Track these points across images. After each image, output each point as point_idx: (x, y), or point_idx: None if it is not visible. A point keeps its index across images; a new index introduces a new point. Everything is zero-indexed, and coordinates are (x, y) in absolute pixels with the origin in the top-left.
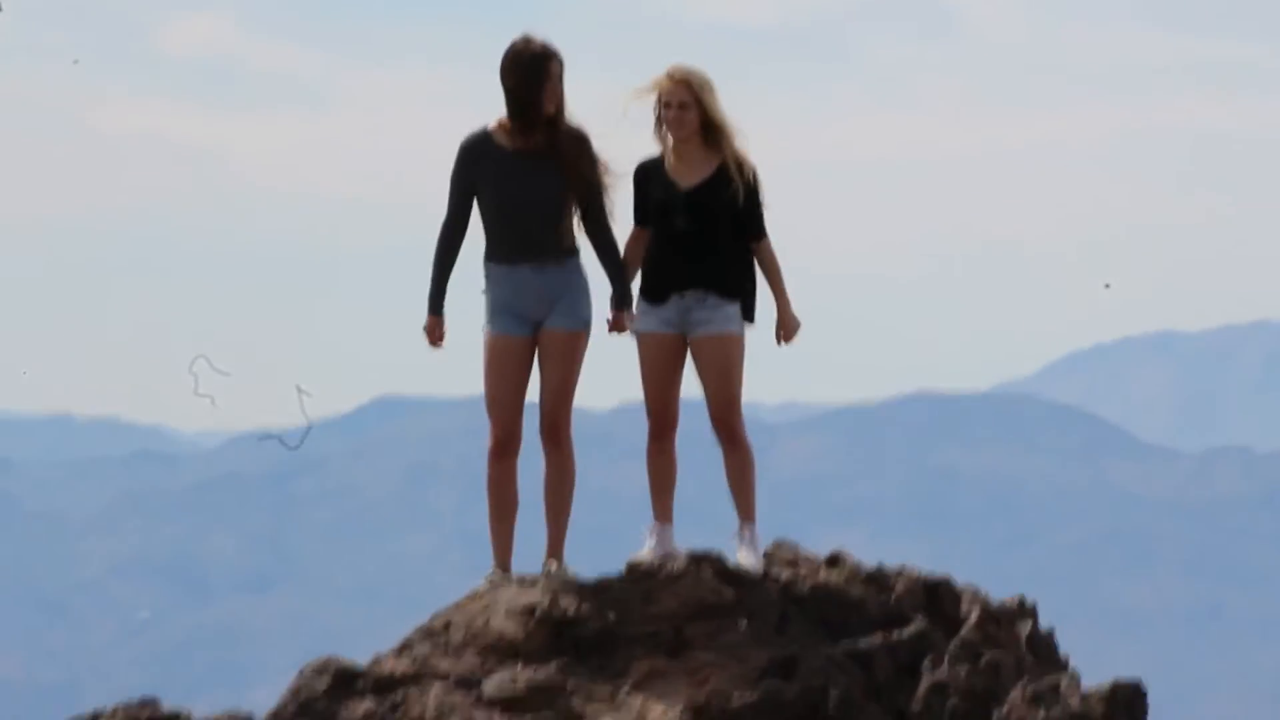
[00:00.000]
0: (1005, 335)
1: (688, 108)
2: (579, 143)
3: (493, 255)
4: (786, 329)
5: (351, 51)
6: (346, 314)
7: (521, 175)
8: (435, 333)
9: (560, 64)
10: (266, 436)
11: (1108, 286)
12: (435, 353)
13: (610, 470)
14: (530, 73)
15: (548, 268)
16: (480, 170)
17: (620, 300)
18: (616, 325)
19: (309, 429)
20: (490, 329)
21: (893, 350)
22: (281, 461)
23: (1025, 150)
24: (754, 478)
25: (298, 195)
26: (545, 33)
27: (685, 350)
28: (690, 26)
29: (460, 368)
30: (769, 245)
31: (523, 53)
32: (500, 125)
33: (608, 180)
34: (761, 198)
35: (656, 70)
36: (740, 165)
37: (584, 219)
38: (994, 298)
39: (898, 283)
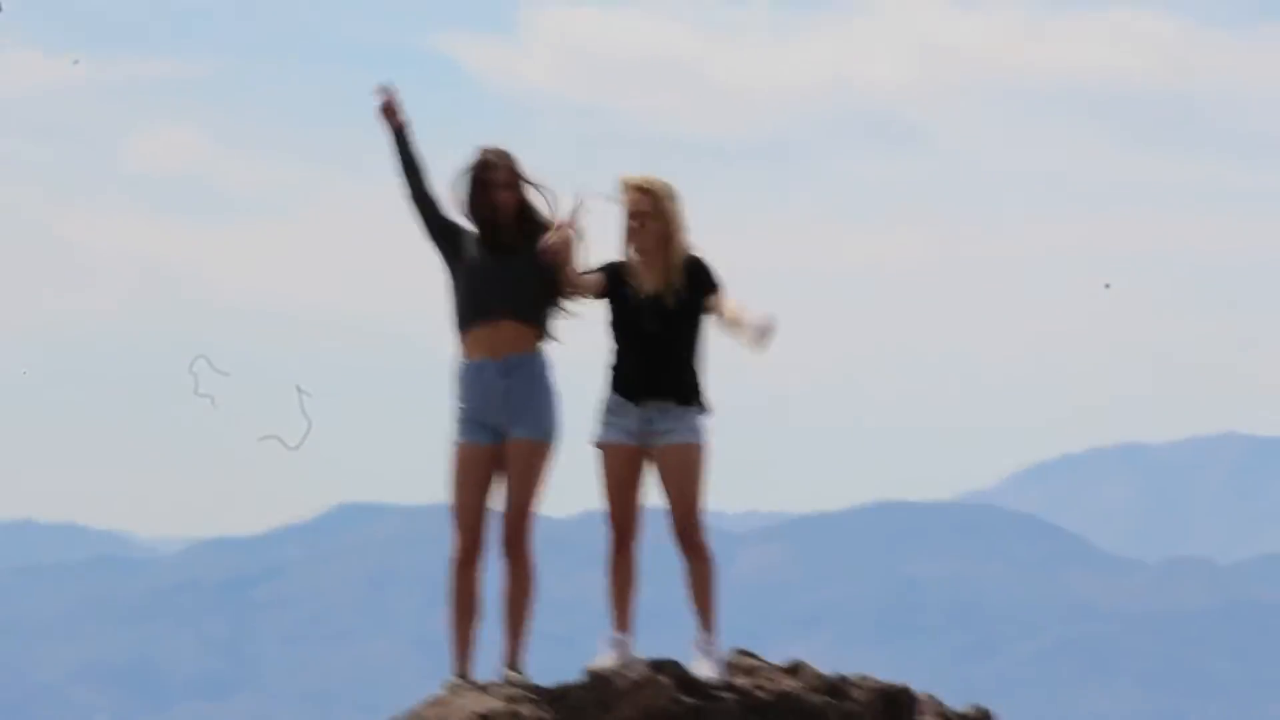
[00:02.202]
0: (969, 445)
1: (650, 218)
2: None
3: (462, 349)
4: (762, 330)
5: (313, 163)
6: (311, 423)
7: (493, 268)
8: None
9: (507, 169)
10: (267, 437)
11: (1107, 286)
12: (391, 459)
13: (571, 578)
14: (470, 183)
15: (514, 367)
16: (458, 245)
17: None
18: (547, 241)
19: (309, 429)
20: (456, 438)
21: (855, 459)
22: (241, 568)
23: (990, 263)
24: (716, 587)
25: (261, 305)
26: (510, 146)
27: (645, 461)
28: (647, 142)
29: (420, 475)
30: (731, 303)
31: (465, 166)
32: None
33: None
34: (720, 286)
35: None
36: (698, 264)
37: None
38: (958, 408)
39: (863, 392)
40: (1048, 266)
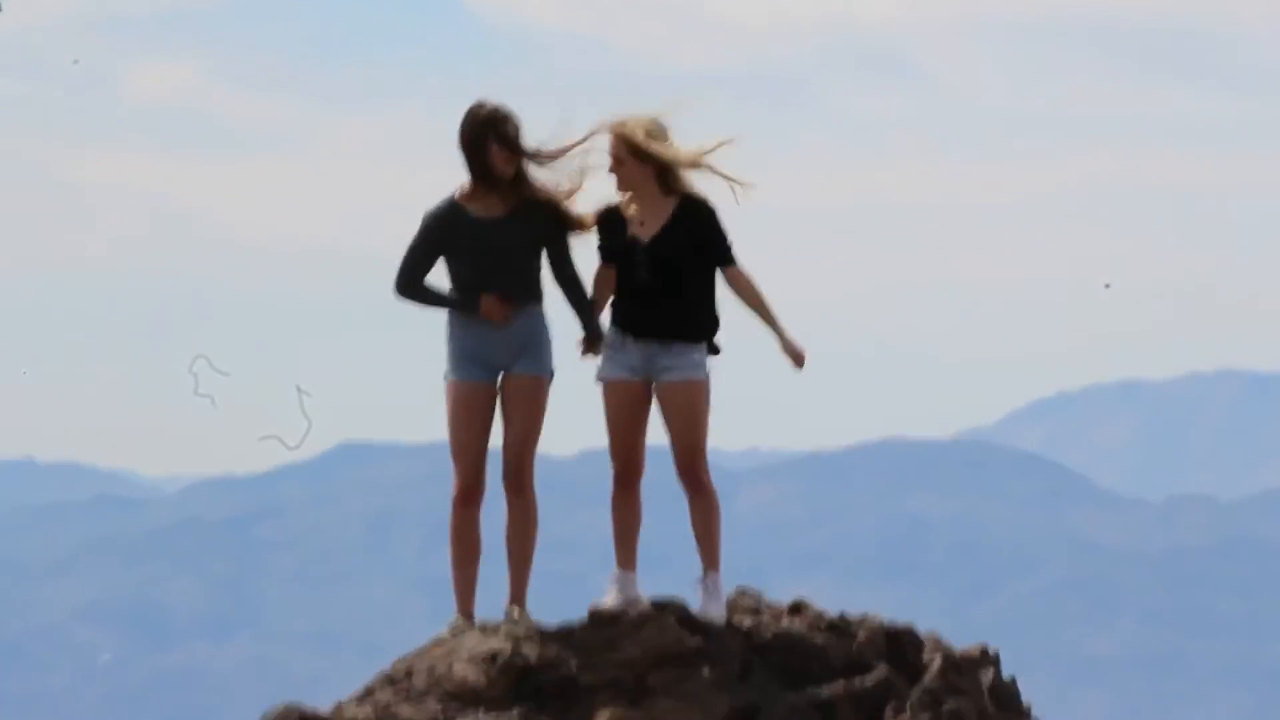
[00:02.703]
0: (971, 383)
1: (622, 162)
2: (544, 206)
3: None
4: (794, 356)
5: (314, 99)
6: (311, 360)
7: (494, 244)
8: (499, 309)
9: (515, 126)
10: (267, 437)
11: (1107, 286)
12: (394, 398)
13: (573, 517)
14: (482, 136)
15: (513, 319)
16: (450, 243)
17: (590, 335)
18: (588, 347)
19: (309, 429)
20: (453, 376)
21: (858, 397)
22: (243, 506)
23: (994, 199)
24: (719, 526)
25: (265, 243)
26: (510, 82)
27: (650, 397)
28: (654, 77)
29: (423, 414)
30: (741, 272)
31: (476, 116)
32: (463, 192)
33: (576, 231)
34: (723, 229)
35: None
36: (696, 206)
37: (551, 268)
38: (960, 345)
39: (863, 329)
40: (1048, 202)
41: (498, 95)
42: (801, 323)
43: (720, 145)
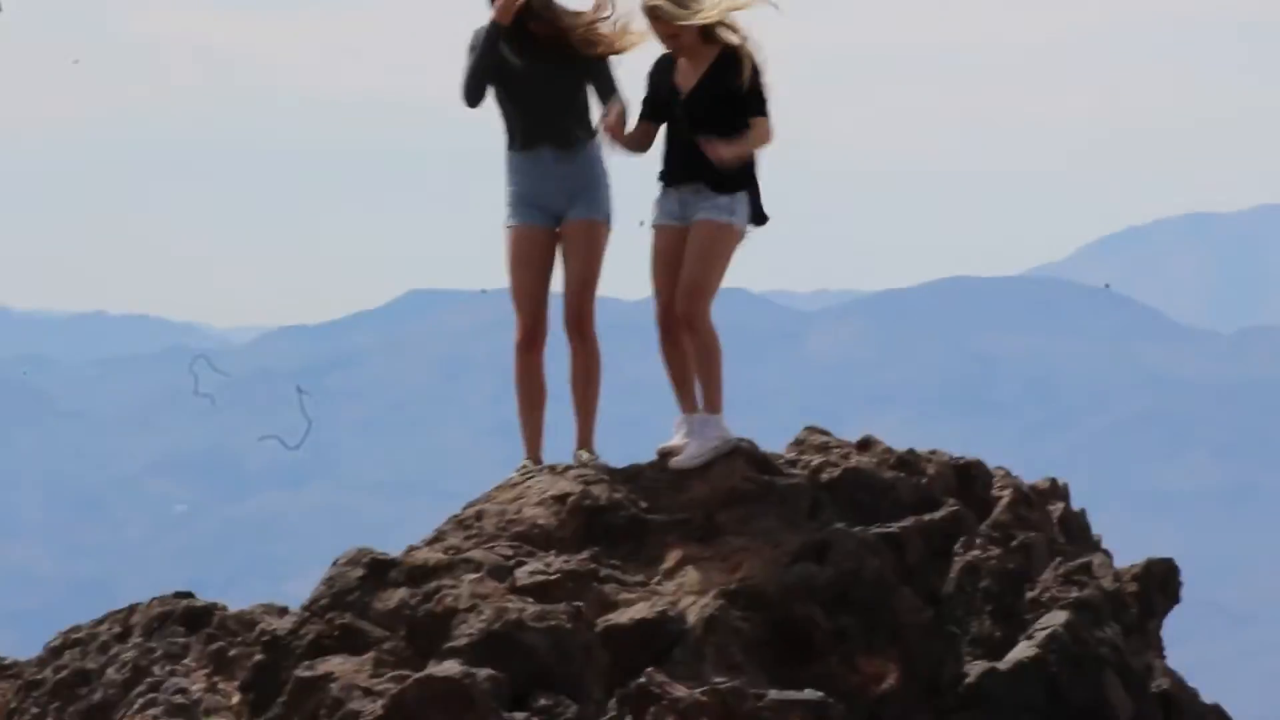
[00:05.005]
0: (1038, 219)
1: (673, 36)
2: (569, 44)
3: (513, 143)
4: (720, 146)
5: None
6: (378, 210)
7: (530, 65)
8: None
9: None
10: (267, 436)
11: (1107, 286)
12: (461, 245)
13: (639, 361)
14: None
15: (569, 153)
16: (499, 67)
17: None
18: (607, 121)
19: (309, 428)
20: (512, 221)
21: (925, 237)
22: (314, 356)
23: (1062, 38)
24: (718, 367)
25: (331, 95)
26: None
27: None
28: None
29: (491, 260)
30: (763, 123)
31: None
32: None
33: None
34: (758, 81)
35: None
36: (737, 58)
37: (598, 95)
38: (1027, 182)
39: (930, 170)
40: (1123, 39)
41: None
42: (868, 165)
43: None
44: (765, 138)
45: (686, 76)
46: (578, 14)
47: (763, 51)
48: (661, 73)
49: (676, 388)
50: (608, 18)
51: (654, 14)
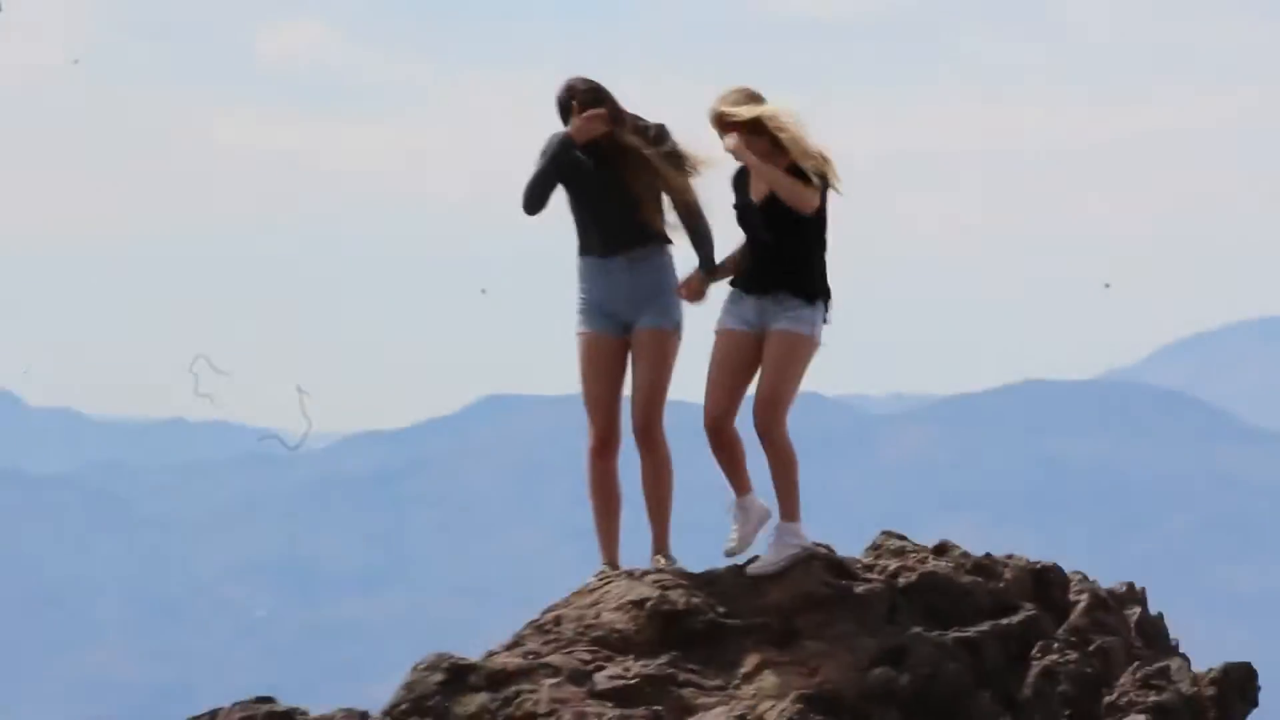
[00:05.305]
0: (1111, 322)
1: (748, 143)
2: (635, 155)
3: (585, 249)
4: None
5: (451, 57)
6: (452, 316)
7: (602, 172)
8: (582, 125)
9: (584, 92)
10: (267, 436)
11: (1107, 286)
12: (541, 351)
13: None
14: (566, 102)
15: (638, 260)
16: (565, 175)
17: (702, 266)
18: (686, 287)
19: (309, 429)
20: (583, 328)
21: (998, 340)
22: (389, 463)
23: (1126, 143)
24: (794, 477)
25: (406, 202)
26: (626, 33)
27: (758, 351)
28: (771, 21)
29: (564, 365)
30: (807, 189)
31: (564, 86)
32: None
33: (692, 171)
34: (830, 183)
35: (739, 73)
36: (804, 168)
37: (675, 210)
38: (1098, 286)
39: (1002, 271)
40: (1184, 140)
41: (633, 49)
42: (944, 265)
43: (827, 162)
44: (800, 194)
45: (759, 185)
46: (656, 150)
47: (830, 155)
48: (738, 186)
49: (729, 476)
50: (692, 172)
51: (723, 118)
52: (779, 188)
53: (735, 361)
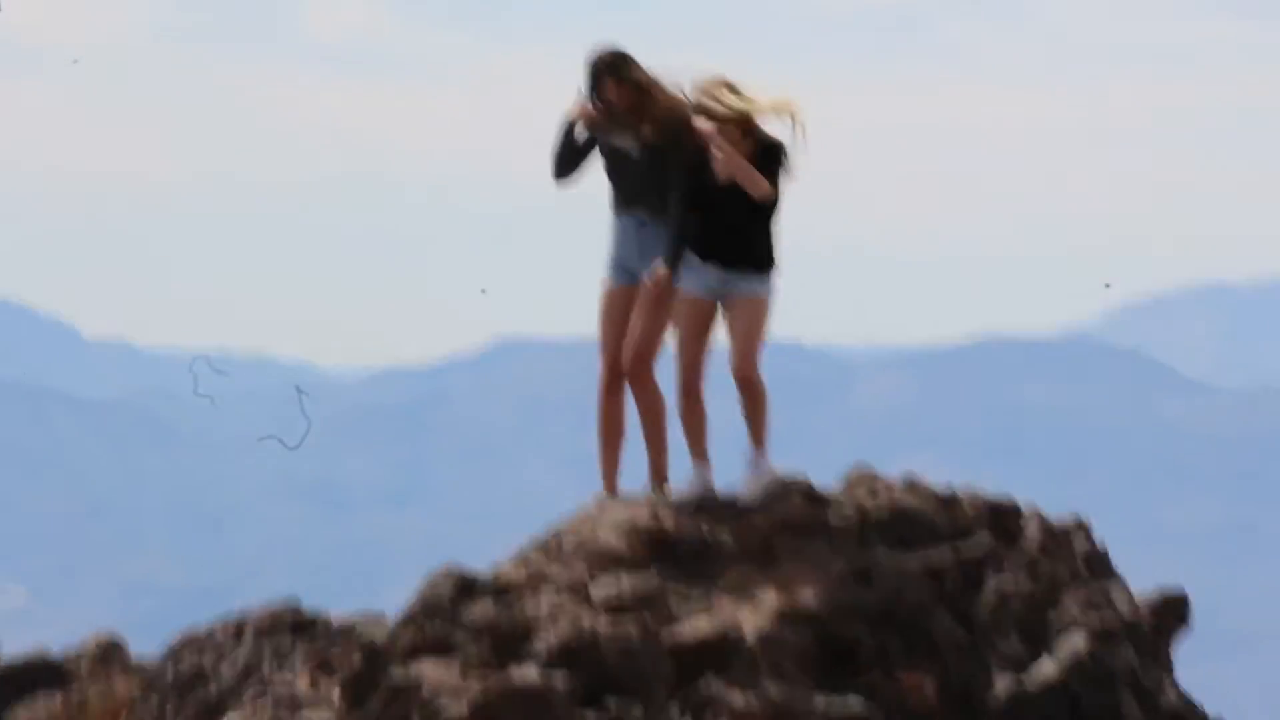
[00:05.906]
0: (1070, 284)
1: (725, 130)
2: (667, 133)
3: (612, 207)
4: (723, 153)
5: (477, 28)
6: (474, 263)
7: (624, 169)
8: (582, 109)
9: (606, 66)
10: (266, 437)
11: (1108, 286)
12: (547, 296)
13: (711, 404)
14: (598, 74)
15: (652, 222)
16: (604, 142)
17: (666, 259)
18: (654, 284)
19: (309, 429)
20: (604, 278)
21: (964, 296)
22: (413, 397)
23: (1083, 122)
24: (766, 413)
25: (435, 164)
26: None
27: (715, 315)
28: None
29: (572, 312)
30: (768, 186)
31: (592, 57)
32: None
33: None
34: (781, 165)
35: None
36: (767, 152)
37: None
38: (1058, 250)
39: (966, 239)
40: (1145, 122)
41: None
42: (917, 225)
43: (784, 106)
44: (764, 189)
45: (725, 170)
46: (677, 112)
47: (803, 144)
48: (698, 165)
49: (694, 438)
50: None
51: (706, 109)
52: (744, 181)
53: (701, 327)
